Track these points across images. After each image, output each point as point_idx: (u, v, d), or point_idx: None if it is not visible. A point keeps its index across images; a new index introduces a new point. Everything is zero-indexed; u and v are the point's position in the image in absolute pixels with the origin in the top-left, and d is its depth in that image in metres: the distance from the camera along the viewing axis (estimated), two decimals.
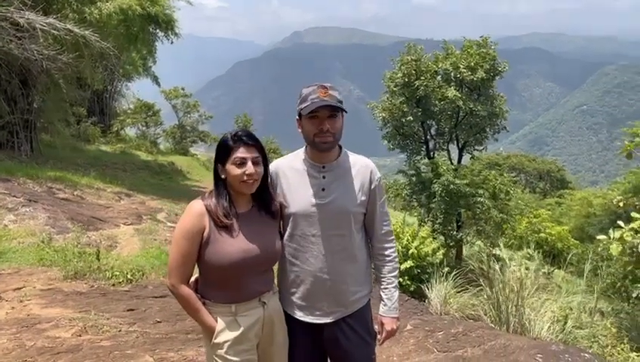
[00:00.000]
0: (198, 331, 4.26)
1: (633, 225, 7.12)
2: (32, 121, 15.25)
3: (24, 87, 14.60)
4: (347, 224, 2.39)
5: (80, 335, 4.10)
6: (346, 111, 2.33)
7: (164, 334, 4.36)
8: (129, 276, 6.20)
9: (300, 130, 2.39)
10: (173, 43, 22.37)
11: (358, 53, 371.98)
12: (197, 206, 2.21)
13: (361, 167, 2.45)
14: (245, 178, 2.17)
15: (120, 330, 4.32)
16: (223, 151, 2.22)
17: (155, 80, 30.03)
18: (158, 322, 4.64)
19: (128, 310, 4.90)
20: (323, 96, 2.24)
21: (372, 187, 2.45)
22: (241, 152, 2.18)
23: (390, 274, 2.54)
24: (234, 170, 2.18)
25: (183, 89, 32.78)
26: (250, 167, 2.17)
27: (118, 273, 6.20)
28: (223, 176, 2.23)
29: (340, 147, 2.45)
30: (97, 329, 4.27)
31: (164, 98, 32.14)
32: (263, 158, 2.25)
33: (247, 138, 2.21)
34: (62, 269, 6.11)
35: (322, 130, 2.28)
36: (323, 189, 2.36)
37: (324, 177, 2.38)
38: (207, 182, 22.86)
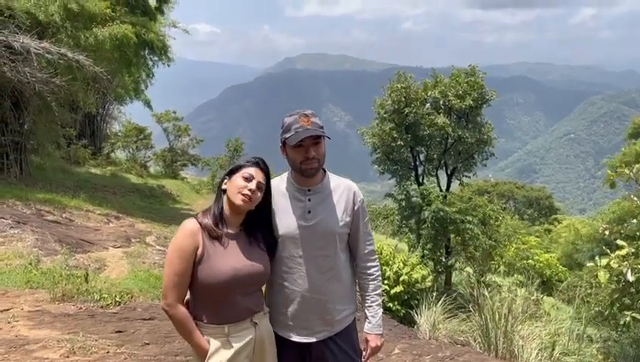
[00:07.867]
0: (186, 353, 4.25)
1: (619, 252, 7.23)
2: (22, 143, 15.22)
3: (16, 109, 14.60)
4: (333, 244, 2.47)
5: (68, 357, 4.08)
6: (329, 138, 2.43)
7: (153, 356, 4.34)
8: (117, 298, 6.15)
9: (284, 156, 2.48)
10: (169, 66, 22.72)
11: (348, 79, 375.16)
12: (190, 224, 2.26)
13: (345, 188, 2.55)
14: (245, 191, 2.23)
15: (108, 352, 4.29)
16: (236, 168, 2.33)
17: (147, 103, 30.13)
18: (147, 344, 4.61)
19: (116, 332, 4.87)
20: (306, 125, 2.33)
21: (355, 208, 2.54)
22: (252, 170, 2.29)
23: (374, 292, 2.62)
24: (239, 181, 2.26)
25: (174, 112, 32.93)
26: (253, 185, 2.25)
27: (106, 295, 6.15)
28: (224, 188, 2.31)
29: (324, 170, 2.55)
30: (85, 350, 4.24)
31: (156, 121, 32.23)
32: (267, 188, 2.34)
33: (262, 163, 2.34)
34: (49, 291, 6.06)
35: (308, 158, 2.37)
36: (309, 212, 2.45)
37: (309, 200, 2.46)
38: (197, 206, 22.81)
